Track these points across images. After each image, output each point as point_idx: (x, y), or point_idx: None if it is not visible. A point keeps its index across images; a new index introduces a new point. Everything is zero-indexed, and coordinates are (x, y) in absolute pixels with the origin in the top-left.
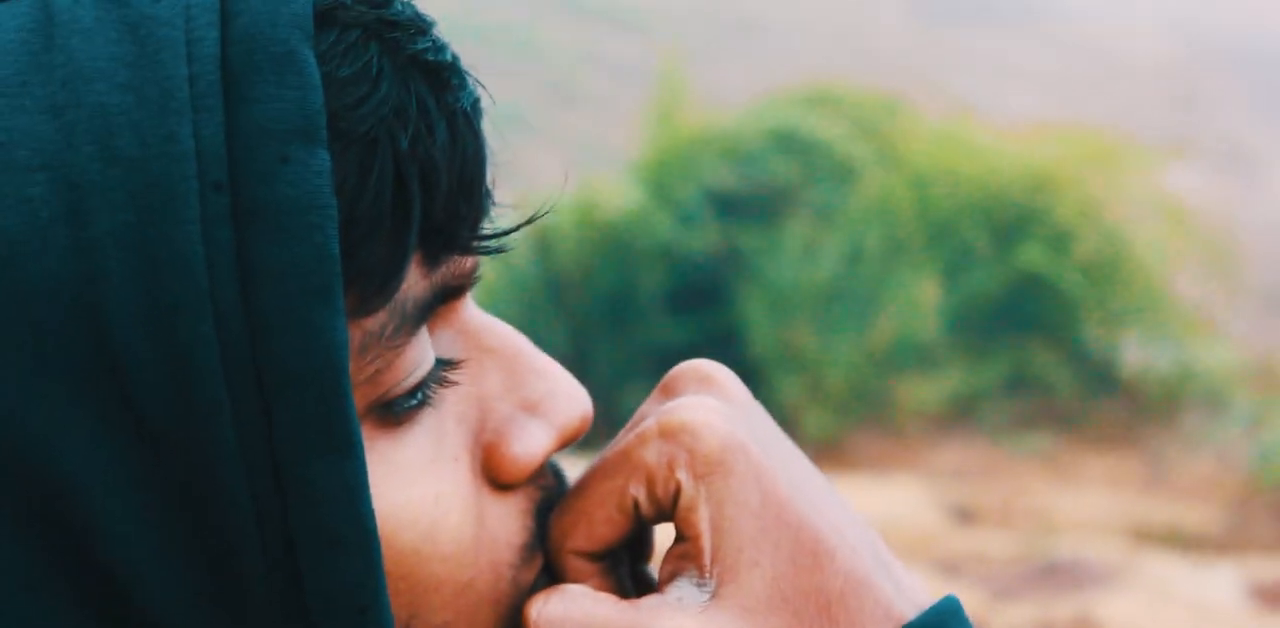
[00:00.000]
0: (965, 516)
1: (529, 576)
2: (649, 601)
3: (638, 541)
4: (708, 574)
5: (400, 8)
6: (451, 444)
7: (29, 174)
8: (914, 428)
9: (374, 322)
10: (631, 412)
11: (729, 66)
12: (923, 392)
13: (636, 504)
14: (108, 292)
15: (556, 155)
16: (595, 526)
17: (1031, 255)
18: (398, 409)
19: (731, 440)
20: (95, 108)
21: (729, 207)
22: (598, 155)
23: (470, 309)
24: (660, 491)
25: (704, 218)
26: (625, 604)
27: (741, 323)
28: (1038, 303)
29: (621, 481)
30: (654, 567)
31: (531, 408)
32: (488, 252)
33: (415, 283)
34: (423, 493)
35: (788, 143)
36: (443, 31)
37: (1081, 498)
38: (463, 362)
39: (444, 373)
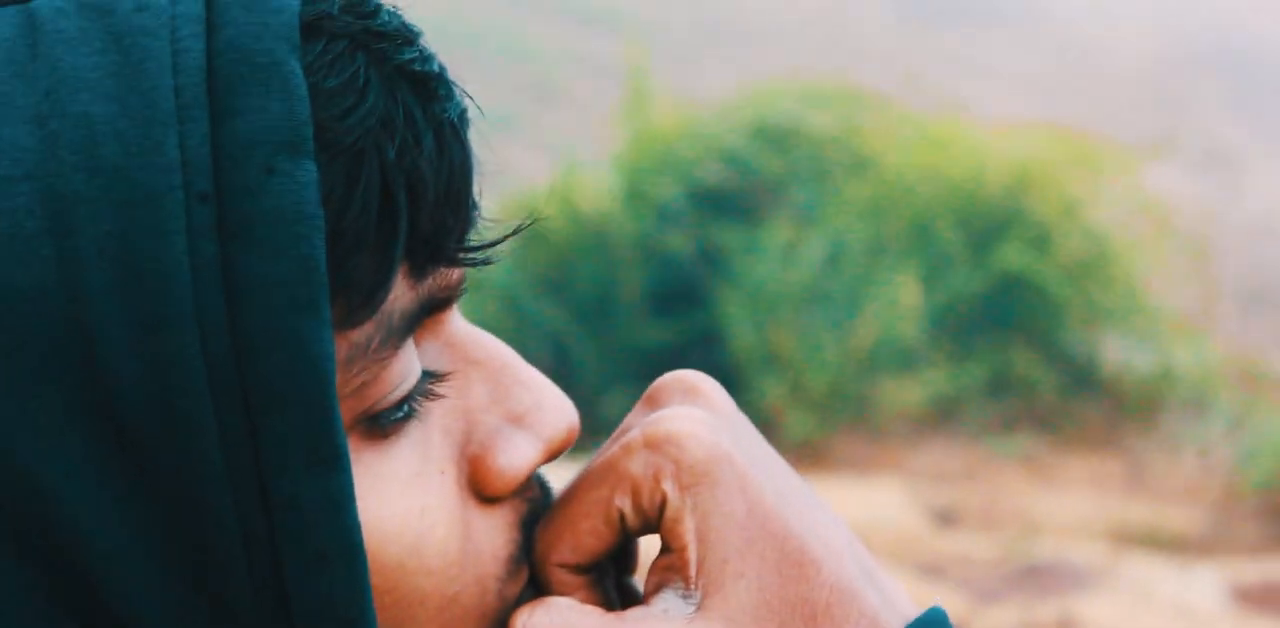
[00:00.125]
0: (947, 517)
1: (515, 588)
2: (634, 613)
3: (623, 552)
4: (693, 586)
5: (387, 18)
6: (437, 457)
7: (12, 184)
8: (895, 429)
9: (360, 334)
10: (613, 414)
11: (712, 66)
12: (904, 393)
13: (622, 516)
14: (92, 303)
15: (539, 155)
16: (581, 538)
17: (1012, 256)
18: (384, 422)
19: (717, 451)
20: (79, 118)
21: (709, 205)
22: (580, 155)
23: (456, 321)
24: (646, 502)
25: (684, 216)
26: (611, 617)
27: (722, 324)
28: (1019, 304)
29: (607, 492)
30: (639, 579)
31: (517, 420)
32: (474, 263)
33: (402, 295)
34: (408, 506)
35: (769, 140)
36: (427, 32)
37: (1063, 500)
38: (449, 374)
39: (430, 386)
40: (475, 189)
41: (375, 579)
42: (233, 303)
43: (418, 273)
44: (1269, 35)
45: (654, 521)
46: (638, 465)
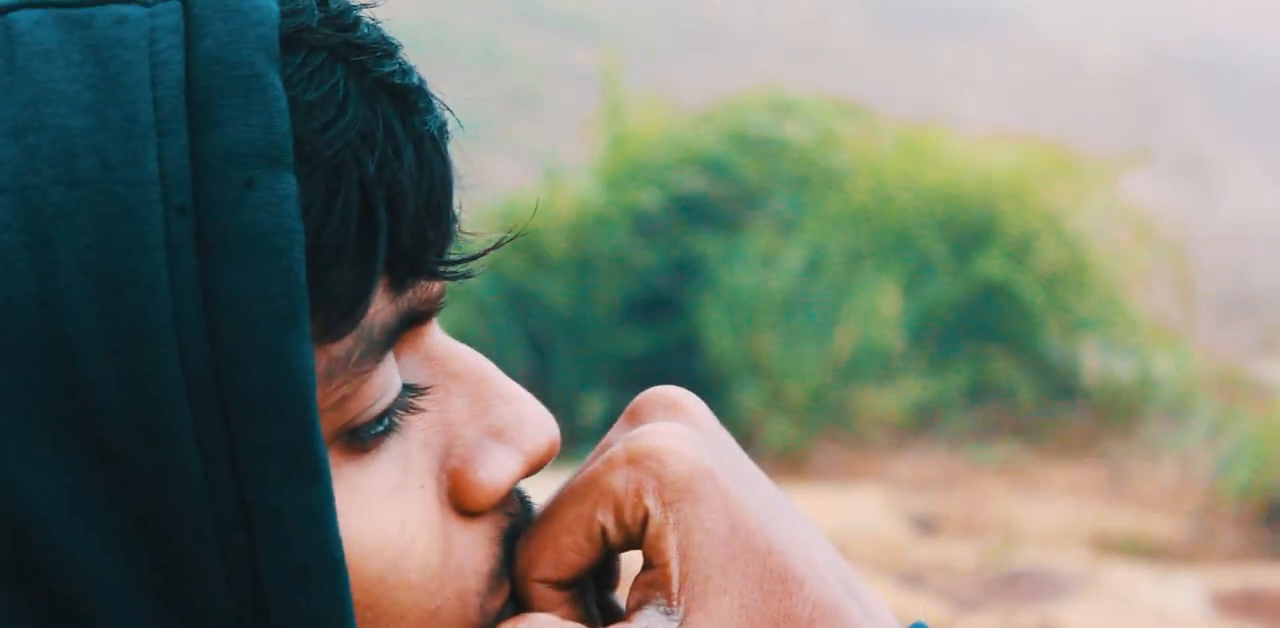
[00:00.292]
0: (927, 526)
1: (496, 603)
2: None
3: (605, 568)
4: (676, 602)
5: (367, 30)
6: (418, 471)
7: None
8: (875, 438)
9: (340, 348)
10: (591, 422)
11: (690, 74)
12: (884, 401)
13: (604, 531)
14: (70, 316)
15: (516, 163)
16: (562, 553)
17: (992, 264)
18: (364, 436)
19: (699, 467)
20: (58, 130)
21: (688, 213)
22: (559, 163)
23: (436, 334)
24: (628, 517)
25: (662, 224)
26: None
27: (701, 332)
28: (998, 312)
29: (589, 507)
30: (621, 595)
31: (498, 434)
32: (454, 277)
33: (382, 308)
34: (389, 520)
35: (747, 148)
36: (403, 40)
37: (1043, 508)
38: (429, 388)
39: (411, 399)
40: (455, 202)
41: (356, 594)
42: (212, 316)
43: (398, 286)
44: (1246, 43)
45: (636, 536)
46: (620, 481)
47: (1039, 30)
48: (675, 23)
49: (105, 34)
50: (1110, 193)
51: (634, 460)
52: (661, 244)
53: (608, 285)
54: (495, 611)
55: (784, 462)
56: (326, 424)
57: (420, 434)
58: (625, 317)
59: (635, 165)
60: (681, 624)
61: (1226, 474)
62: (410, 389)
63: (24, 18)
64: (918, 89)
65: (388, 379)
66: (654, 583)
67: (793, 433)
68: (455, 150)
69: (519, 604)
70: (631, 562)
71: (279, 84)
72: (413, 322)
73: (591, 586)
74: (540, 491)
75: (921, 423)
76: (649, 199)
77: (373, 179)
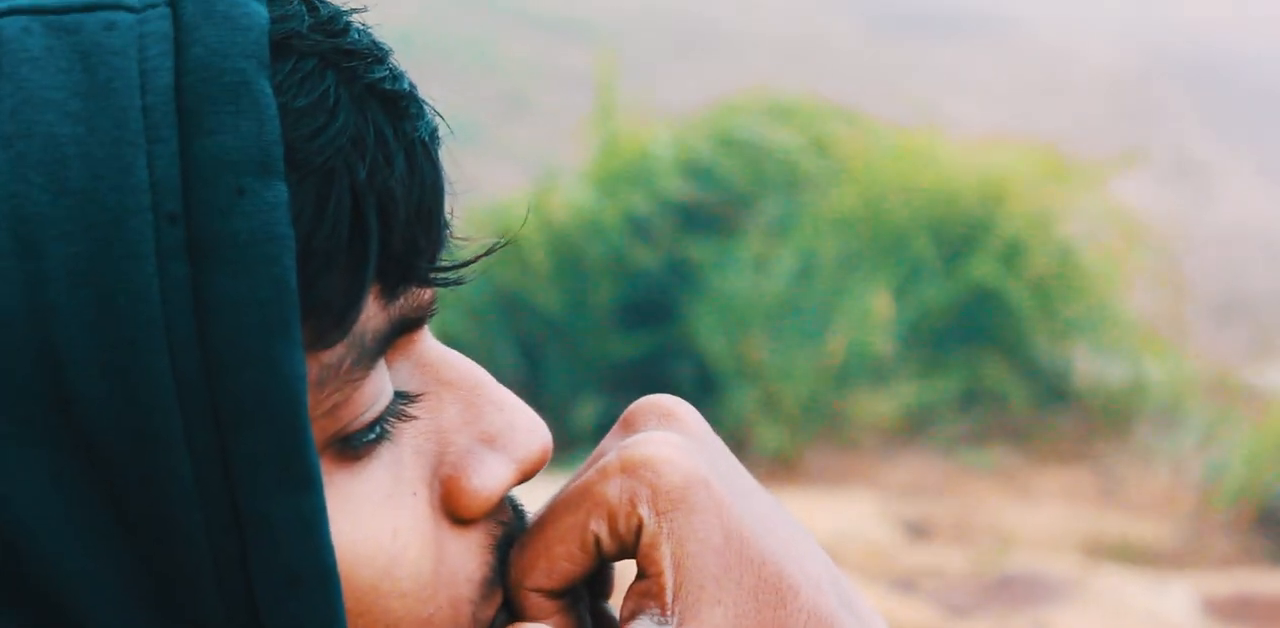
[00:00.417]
0: (919, 530)
1: (489, 612)
2: None
3: (598, 577)
4: (669, 612)
5: (357, 36)
6: (410, 478)
7: None
8: (867, 442)
9: (332, 355)
10: (583, 427)
11: (682, 78)
12: (876, 406)
13: (598, 541)
14: (60, 325)
15: (508, 167)
16: (556, 562)
17: (983, 269)
18: (356, 443)
19: (694, 476)
20: (46, 138)
21: (679, 217)
22: (551, 167)
23: (428, 341)
24: (622, 527)
25: (654, 229)
26: None
27: (693, 337)
28: (990, 316)
29: (582, 516)
30: (615, 604)
31: (490, 441)
32: (446, 283)
33: (373, 315)
34: (381, 528)
35: (739, 152)
36: (394, 44)
37: (1036, 513)
38: (421, 395)
39: (403, 406)
40: (447, 208)
41: (348, 602)
42: (203, 324)
43: (389, 293)
44: (1237, 46)
45: (630, 546)
46: (613, 490)
47: (1032, 34)
48: (668, 26)
49: (94, 40)
50: (1103, 196)
51: (628, 470)
52: (653, 249)
53: (599, 290)
54: (488, 619)
55: (776, 466)
56: (318, 432)
57: (412, 442)
58: (617, 322)
59: (627, 170)
60: None
61: (1219, 479)
62: (402, 397)
63: (11, 24)
64: (911, 92)
65: (380, 387)
66: (648, 593)
67: (785, 438)
68: (446, 155)
69: (512, 613)
70: (626, 571)
71: (269, 91)
72: (404, 328)
73: (585, 595)
74: (533, 498)
75: (913, 428)
76: (641, 204)
77: (364, 186)
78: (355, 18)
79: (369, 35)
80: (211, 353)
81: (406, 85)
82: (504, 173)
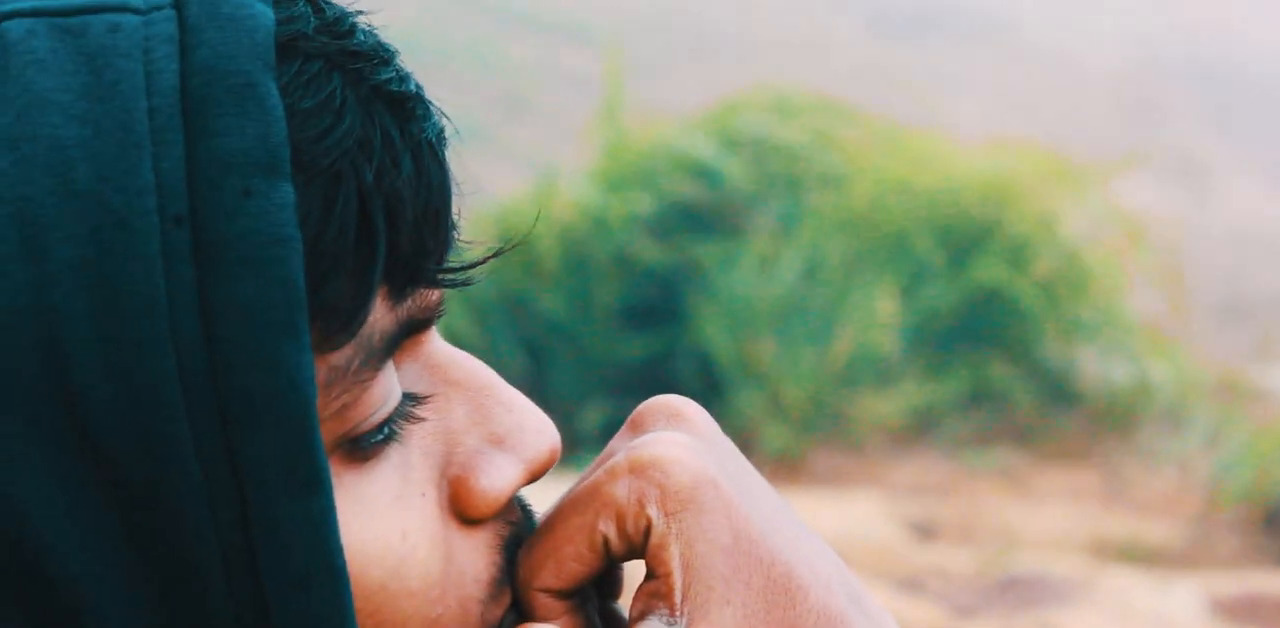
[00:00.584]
0: (925, 531)
1: (497, 612)
2: None
3: (607, 577)
4: (678, 613)
5: (362, 37)
6: (418, 479)
7: None
8: (873, 443)
9: (340, 356)
10: (589, 428)
11: (684, 79)
12: (882, 407)
13: (606, 541)
14: (67, 328)
15: (511, 169)
16: (564, 562)
17: (989, 270)
18: (365, 444)
19: (702, 476)
20: (52, 140)
21: (684, 218)
22: (553, 167)
23: (436, 342)
24: (630, 527)
25: (658, 230)
26: None
27: (698, 338)
28: (995, 317)
29: (591, 517)
30: (623, 604)
31: (499, 442)
32: (454, 284)
33: (381, 317)
34: (390, 529)
35: (743, 153)
36: (397, 44)
37: (1041, 513)
38: (430, 396)
39: (411, 408)
40: (454, 209)
41: (357, 602)
42: (209, 326)
43: (397, 295)
44: (1240, 46)
45: (639, 546)
46: (622, 491)
47: (1034, 34)
48: (669, 28)
49: (99, 43)
50: (1106, 197)
51: (636, 470)
52: (658, 250)
53: (605, 291)
54: (496, 619)
55: (782, 467)
56: (327, 433)
57: (421, 442)
58: (622, 323)
59: (632, 170)
60: None
61: (1225, 480)
62: (410, 398)
63: (16, 27)
64: (913, 94)
65: (388, 388)
66: (657, 593)
67: (790, 439)
68: (452, 156)
69: (520, 613)
70: (635, 571)
71: (275, 92)
72: (412, 330)
73: (594, 595)
74: (542, 500)
75: (919, 428)
76: (645, 204)
77: (371, 187)
78: (361, 19)
79: (375, 37)
80: (218, 355)
81: (413, 87)
82: (506, 174)
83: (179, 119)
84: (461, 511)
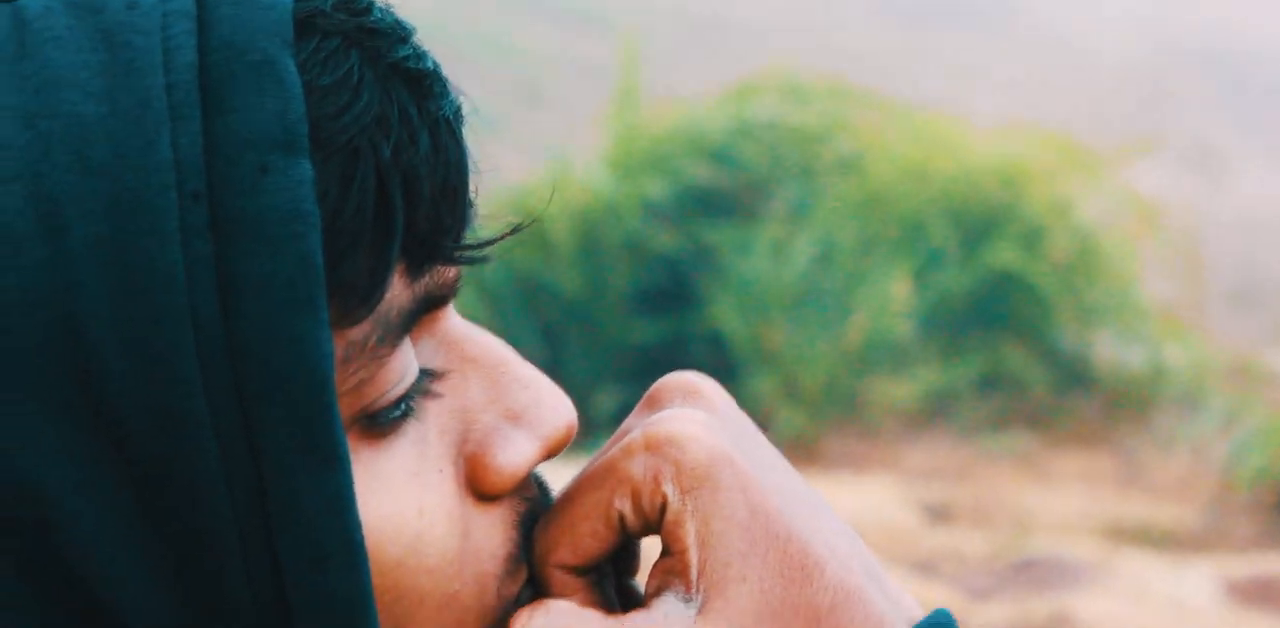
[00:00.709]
0: (940, 514)
1: (514, 588)
2: (635, 617)
3: (623, 554)
4: (694, 589)
5: (380, 15)
6: (435, 455)
7: (2, 185)
8: (887, 427)
9: (358, 332)
10: (602, 413)
11: (697, 66)
12: (896, 390)
13: (622, 518)
14: (85, 304)
15: (526, 157)
16: (580, 539)
17: (1003, 254)
18: (382, 421)
19: (718, 453)
20: (70, 117)
21: (698, 203)
22: (569, 153)
23: (453, 319)
24: (646, 504)
25: (673, 214)
26: (611, 621)
27: (713, 322)
28: (1010, 301)
29: (607, 493)
30: (640, 581)
31: (515, 418)
32: (471, 261)
33: (399, 293)
34: (407, 505)
35: (756, 137)
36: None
37: (1056, 497)
38: (447, 372)
39: (428, 384)
40: (471, 186)
41: (374, 578)
42: (228, 302)
43: (414, 271)
44: (1254, 33)
45: (654, 523)
46: (638, 467)
47: (1048, 22)
48: (682, 16)
49: (116, 19)
50: (1120, 182)
51: (652, 447)
52: (672, 234)
53: (619, 275)
54: (513, 595)
55: (796, 451)
56: (344, 409)
57: (437, 419)
58: (636, 307)
59: (646, 155)
60: (700, 611)
61: (1239, 463)
62: (427, 374)
63: (34, 4)
64: (926, 80)
65: (405, 364)
66: (672, 570)
67: (804, 422)
68: (468, 138)
69: (537, 590)
70: (651, 548)
71: (293, 69)
72: (429, 306)
73: (610, 571)
74: (554, 481)
75: (933, 412)
76: (659, 189)
77: (388, 164)
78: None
79: (391, 14)
80: (236, 331)
81: (430, 64)
82: (520, 162)
83: (197, 95)
84: (478, 487)
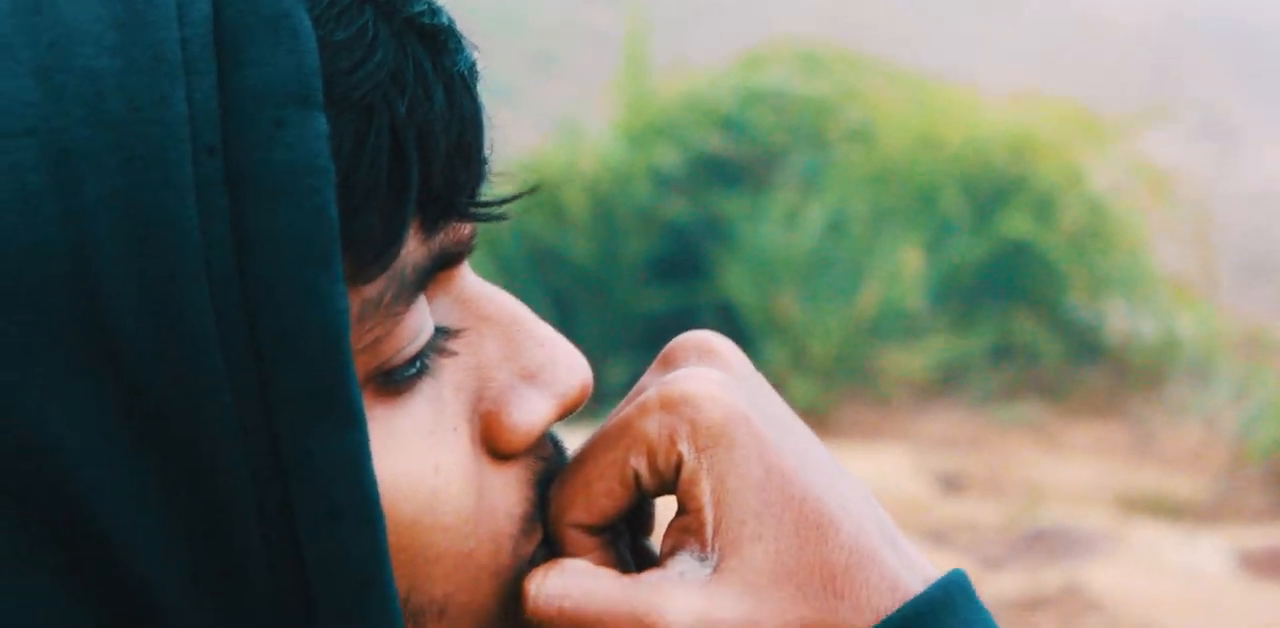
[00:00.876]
0: (952, 484)
1: (529, 548)
2: (650, 576)
3: (638, 513)
4: (710, 548)
5: None
6: (451, 413)
7: (16, 139)
8: (899, 397)
9: (373, 289)
10: (614, 382)
11: (708, 33)
12: (908, 360)
13: (637, 476)
14: (99, 260)
15: (537, 127)
16: (595, 498)
17: (1015, 224)
18: (398, 378)
19: (733, 412)
20: (84, 71)
21: (709, 172)
22: (579, 122)
23: (468, 277)
24: (661, 462)
25: (684, 184)
26: (626, 580)
27: (724, 292)
28: (1022, 271)
29: (622, 452)
30: (655, 540)
31: (530, 377)
32: (486, 218)
33: (414, 250)
34: (423, 463)
35: (768, 106)
36: None
37: (1068, 467)
38: (462, 330)
39: (443, 342)
40: (486, 143)
41: (390, 537)
42: (243, 257)
43: (429, 228)
44: (1268, 3)
45: (670, 482)
46: (653, 426)
47: None
48: None
49: None
50: (1132, 152)
51: (667, 405)
52: (684, 203)
53: (630, 244)
54: (528, 554)
55: (808, 421)
56: (360, 367)
57: (453, 377)
58: (648, 276)
59: (657, 124)
60: (716, 570)
61: (1251, 434)
62: (443, 332)
63: None
64: (937, 50)
65: (420, 321)
66: (688, 529)
67: (816, 393)
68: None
69: (552, 549)
70: (667, 507)
71: (308, 24)
72: (445, 263)
73: (625, 531)
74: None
75: (945, 382)
76: (671, 158)
77: (403, 120)
78: None
79: None
80: (252, 286)
81: (445, 19)
82: (531, 133)
83: (211, 50)
84: (493, 446)
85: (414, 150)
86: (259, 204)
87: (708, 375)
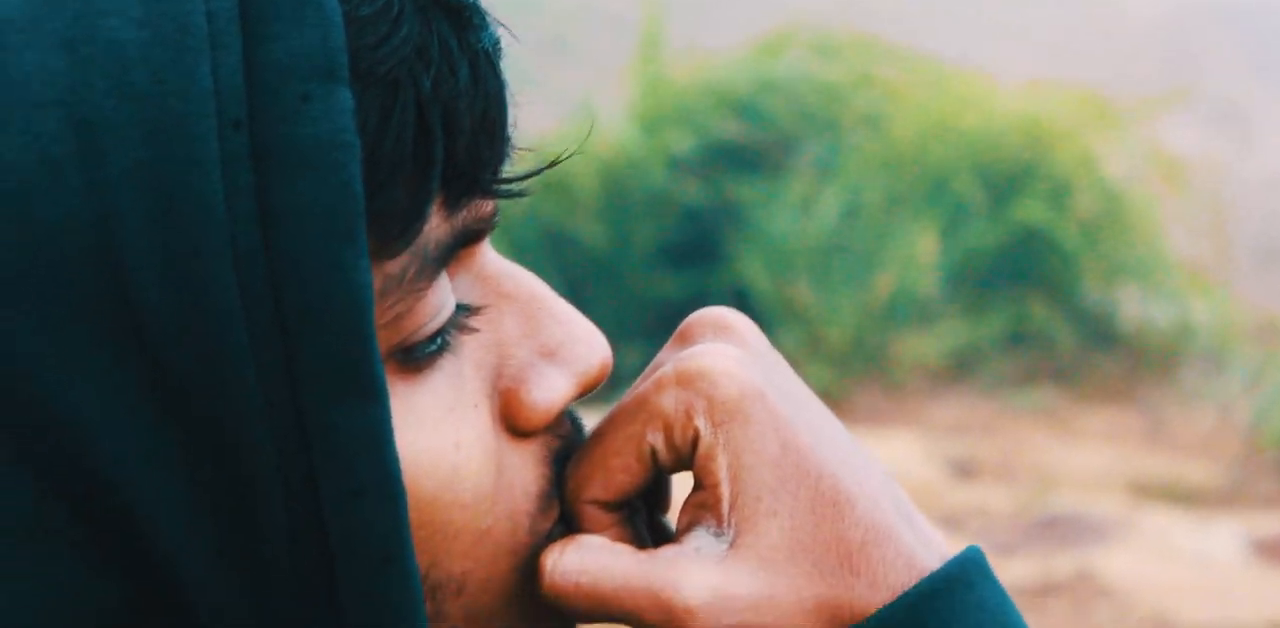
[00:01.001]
0: (965, 470)
1: (546, 525)
2: (666, 551)
3: (655, 490)
4: (726, 524)
5: None
6: (471, 391)
7: (41, 111)
8: (913, 383)
9: (395, 265)
10: (628, 366)
11: (724, 19)
12: (922, 347)
13: (654, 452)
14: (123, 233)
15: (554, 112)
16: (612, 474)
17: (1030, 210)
18: (419, 354)
19: (750, 388)
20: (109, 43)
21: (724, 157)
22: (593, 106)
23: (489, 254)
24: (678, 438)
25: (698, 169)
26: (642, 555)
27: (738, 277)
28: (1036, 258)
29: (639, 428)
30: (672, 517)
31: (550, 355)
32: (509, 195)
33: (437, 226)
34: (443, 440)
35: (782, 91)
36: None
37: (1081, 453)
38: (482, 308)
39: (464, 319)
40: (510, 120)
41: (410, 514)
42: (267, 231)
43: (452, 204)
44: None
45: (686, 458)
46: (669, 402)
47: None
48: None
49: None
50: (1147, 139)
51: (684, 381)
52: (698, 188)
53: (644, 229)
54: (545, 532)
55: None
56: (381, 343)
57: (473, 354)
58: (662, 262)
59: (671, 109)
60: (732, 546)
61: (1264, 421)
62: (463, 309)
63: None
64: (952, 36)
65: (442, 298)
66: (704, 504)
67: (830, 378)
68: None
69: (569, 526)
70: (683, 484)
71: None
72: (467, 240)
73: (642, 507)
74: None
75: (959, 368)
76: (685, 143)
77: (428, 96)
78: None
79: None
80: (276, 261)
81: None
82: (546, 117)
83: (237, 23)
84: (512, 423)
85: (439, 126)
86: (284, 178)
87: (724, 351)
